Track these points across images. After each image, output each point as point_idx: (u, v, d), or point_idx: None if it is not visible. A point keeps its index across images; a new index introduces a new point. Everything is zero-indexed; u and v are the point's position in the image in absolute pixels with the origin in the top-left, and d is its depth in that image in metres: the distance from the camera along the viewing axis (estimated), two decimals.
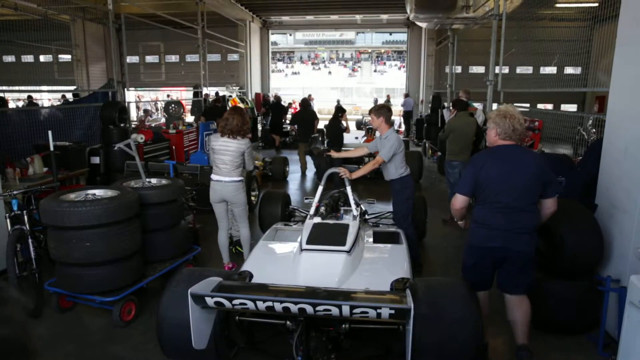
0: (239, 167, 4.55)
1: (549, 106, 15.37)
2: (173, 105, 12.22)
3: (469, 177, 3.08)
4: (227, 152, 4.49)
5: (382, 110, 4.66)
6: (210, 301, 2.48)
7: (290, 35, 45.32)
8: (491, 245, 3.02)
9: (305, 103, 10.48)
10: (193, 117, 13.18)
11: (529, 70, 14.60)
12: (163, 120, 14.36)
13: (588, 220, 3.56)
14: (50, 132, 5.14)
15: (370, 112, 4.77)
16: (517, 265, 3.07)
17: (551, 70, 11.86)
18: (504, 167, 2.97)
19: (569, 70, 10.55)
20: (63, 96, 16.43)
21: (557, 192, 3.07)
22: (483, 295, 3.20)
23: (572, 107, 16.93)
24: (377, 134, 4.99)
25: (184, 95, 21.35)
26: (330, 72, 47.15)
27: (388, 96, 22.77)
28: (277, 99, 15.83)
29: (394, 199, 4.77)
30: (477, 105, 9.69)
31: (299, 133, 10.43)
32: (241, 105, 5.22)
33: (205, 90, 13.16)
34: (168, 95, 21.93)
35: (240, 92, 17.08)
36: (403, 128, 18.76)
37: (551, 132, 7.45)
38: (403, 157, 4.64)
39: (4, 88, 10.62)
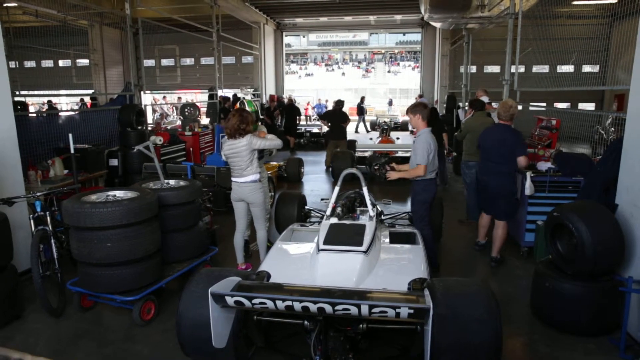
0: (250, 165, 4.57)
1: (567, 105, 15.17)
2: (189, 108, 12.34)
3: (479, 142, 5.25)
4: (235, 153, 4.54)
5: (418, 107, 4.67)
6: (230, 300, 2.51)
7: (304, 36, 45.48)
8: (481, 177, 5.16)
9: (339, 104, 11.01)
10: (209, 119, 13.30)
11: (545, 69, 14.44)
12: (179, 122, 14.51)
13: (608, 220, 3.51)
14: (70, 135, 5.25)
15: (408, 111, 4.80)
16: (492, 193, 4.99)
17: (568, 68, 11.73)
18: (490, 138, 5.01)
19: (586, 68, 10.43)
20: (81, 100, 16.75)
21: (523, 153, 4.78)
22: (487, 218, 5.33)
23: (589, 106, 16.69)
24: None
25: (199, 97, 21.58)
26: (343, 73, 47.18)
27: (390, 99, 22.64)
28: (291, 100, 15.88)
29: (413, 198, 4.77)
30: (495, 105, 9.61)
31: (329, 131, 11.17)
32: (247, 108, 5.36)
33: (220, 93, 13.27)
34: (179, 98, 22.11)
35: (247, 97, 17.15)
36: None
37: (569, 131, 7.36)
38: (434, 161, 4.59)
39: (25, 93, 10.86)
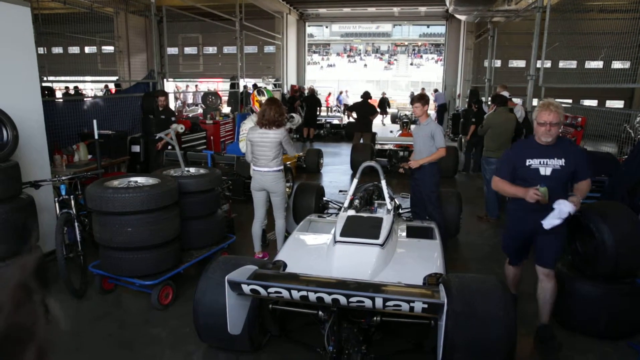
0: (277, 157, 4.59)
1: (594, 102, 14.79)
2: (211, 97, 12.44)
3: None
4: (265, 143, 4.54)
5: (426, 98, 5.08)
6: (246, 288, 2.55)
7: (327, 27, 45.23)
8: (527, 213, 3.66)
9: (367, 96, 10.97)
10: (230, 108, 13.39)
11: (572, 64, 14.08)
12: (200, 110, 14.66)
13: (632, 222, 3.43)
14: (95, 121, 5.36)
15: (414, 101, 5.05)
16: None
17: (597, 64, 11.41)
18: None
19: (616, 64, 10.13)
20: (106, 86, 17.04)
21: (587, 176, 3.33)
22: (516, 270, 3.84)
23: (618, 104, 16.24)
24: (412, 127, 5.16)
25: (221, 86, 21.71)
26: (365, 65, 46.84)
27: (422, 89, 22.34)
28: (312, 91, 15.83)
29: (425, 182, 4.99)
30: (517, 101, 9.43)
31: (355, 123, 11.17)
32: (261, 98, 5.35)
33: (242, 82, 13.33)
34: (196, 86, 22.22)
35: (268, 87, 17.15)
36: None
37: (595, 129, 7.19)
38: None
39: (52, 78, 11.09)
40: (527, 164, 3.26)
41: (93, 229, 3.95)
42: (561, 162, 3.21)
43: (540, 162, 3.24)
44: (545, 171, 3.22)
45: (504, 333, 2.62)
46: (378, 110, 11.19)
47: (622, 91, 15.73)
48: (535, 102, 8.28)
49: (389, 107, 20.77)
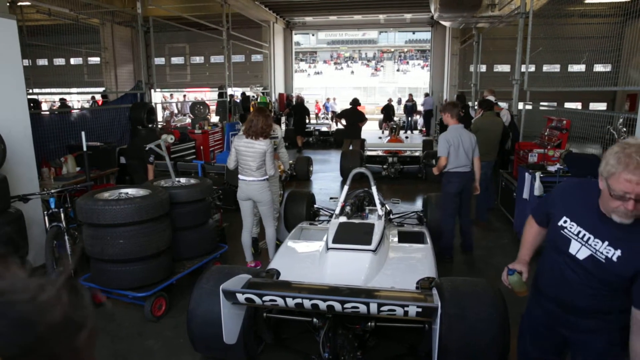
0: (261, 167, 4.58)
1: (578, 105, 15.05)
2: (199, 106, 12.43)
3: None
4: (249, 153, 4.55)
5: (448, 106, 5.18)
6: (241, 297, 2.55)
7: (313, 35, 45.46)
8: None
9: (356, 103, 11.02)
10: (218, 118, 13.38)
11: (556, 68, 14.32)
12: (188, 120, 14.62)
13: None
14: (83, 133, 5.33)
15: (441, 112, 5.37)
16: None
17: (579, 68, 11.63)
18: None
19: (598, 67, 10.35)
20: (92, 97, 16.93)
21: None
22: None
23: (601, 106, 16.54)
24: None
25: (208, 95, 21.66)
26: (352, 72, 47.07)
27: (410, 95, 22.22)
28: (300, 99, 15.90)
29: (442, 187, 5.19)
30: (503, 105, 9.56)
31: (344, 130, 11.24)
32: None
33: (230, 91, 13.34)
34: (184, 96, 22.13)
35: (256, 95, 17.11)
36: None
37: (579, 131, 7.32)
38: (457, 155, 4.97)
39: (38, 90, 11.01)
40: (561, 222, 2.03)
41: (84, 241, 3.91)
42: (614, 253, 1.82)
43: (579, 234, 1.94)
44: (579, 252, 1.94)
45: (497, 335, 2.65)
46: (366, 118, 11.20)
47: (604, 94, 16.03)
48: (520, 105, 8.40)
49: (394, 115, 19.04)
